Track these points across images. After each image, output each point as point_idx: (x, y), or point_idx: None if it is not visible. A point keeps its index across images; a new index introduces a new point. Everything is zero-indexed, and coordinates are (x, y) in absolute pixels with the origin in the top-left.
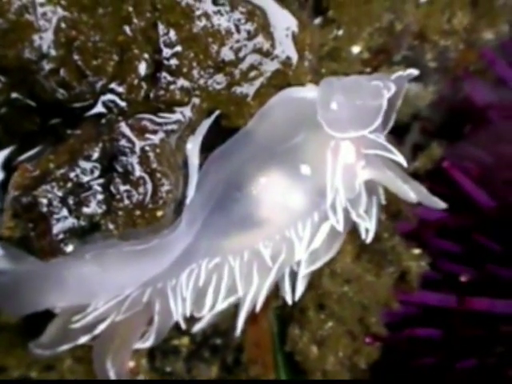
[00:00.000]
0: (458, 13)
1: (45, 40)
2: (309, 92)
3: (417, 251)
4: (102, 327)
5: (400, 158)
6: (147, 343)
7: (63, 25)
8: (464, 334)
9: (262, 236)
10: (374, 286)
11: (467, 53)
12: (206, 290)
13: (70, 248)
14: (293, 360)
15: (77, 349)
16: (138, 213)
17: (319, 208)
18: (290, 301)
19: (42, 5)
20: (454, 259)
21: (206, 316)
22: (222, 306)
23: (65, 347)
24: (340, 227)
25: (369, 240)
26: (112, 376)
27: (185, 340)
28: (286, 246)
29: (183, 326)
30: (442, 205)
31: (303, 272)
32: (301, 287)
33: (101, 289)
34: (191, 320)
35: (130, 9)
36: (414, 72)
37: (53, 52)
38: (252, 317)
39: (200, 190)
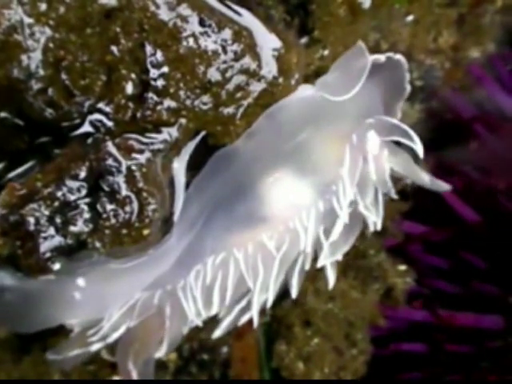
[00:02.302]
0: (444, 32)
1: (33, 60)
2: (306, 90)
3: (403, 267)
4: (115, 335)
5: (419, 147)
6: (161, 352)
7: (51, 45)
8: (450, 349)
9: (266, 229)
10: (360, 302)
11: (453, 71)
12: (214, 287)
13: (57, 266)
14: (279, 376)
15: None
16: (124, 231)
17: (324, 197)
18: (294, 295)
19: (30, 25)
20: (440, 275)
21: (225, 322)
22: (239, 313)
23: (76, 351)
24: (346, 219)
25: (379, 228)
26: (134, 377)
27: (172, 355)
28: (290, 236)
29: (200, 324)
30: (446, 187)
31: (325, 262)
32: (332, 276)
33: (108, 300)
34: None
35: (118, 29)
36: (403, 59)
37: (41, 71)
38: (238, 333)
39: (201, 191)
